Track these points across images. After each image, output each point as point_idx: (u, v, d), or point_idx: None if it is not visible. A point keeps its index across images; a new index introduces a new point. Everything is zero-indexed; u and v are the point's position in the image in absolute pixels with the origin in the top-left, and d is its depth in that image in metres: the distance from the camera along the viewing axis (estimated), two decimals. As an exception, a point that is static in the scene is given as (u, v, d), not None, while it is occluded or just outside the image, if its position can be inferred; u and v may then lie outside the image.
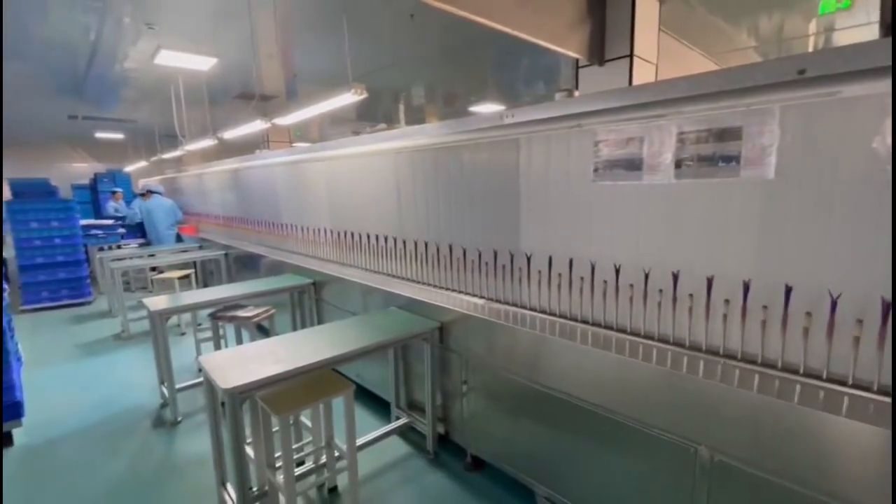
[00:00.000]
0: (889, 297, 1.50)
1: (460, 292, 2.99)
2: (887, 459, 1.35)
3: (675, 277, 1.99)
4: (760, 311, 1.78)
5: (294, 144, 9.73)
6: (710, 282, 1.89)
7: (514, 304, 2.66)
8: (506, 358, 2.46)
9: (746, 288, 1.80)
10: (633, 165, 2.09)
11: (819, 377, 1.67)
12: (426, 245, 3.23)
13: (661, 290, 2.04)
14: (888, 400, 1.52)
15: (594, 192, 2.23)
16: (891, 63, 1.38)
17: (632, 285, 2.15)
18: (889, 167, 1.47)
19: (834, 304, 1.60)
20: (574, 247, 2.35)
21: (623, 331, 2.19)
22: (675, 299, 2.00)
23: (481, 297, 2.86)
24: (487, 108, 8.44)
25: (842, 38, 4.57)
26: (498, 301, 2.76)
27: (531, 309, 2.57)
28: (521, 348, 2.37)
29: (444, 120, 2.83)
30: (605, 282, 2.24)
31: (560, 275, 2.42)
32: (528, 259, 2.56)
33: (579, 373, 2.11)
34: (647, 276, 2.08)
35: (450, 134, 2.82)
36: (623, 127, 2.07)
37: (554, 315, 2.48)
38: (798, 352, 1.70)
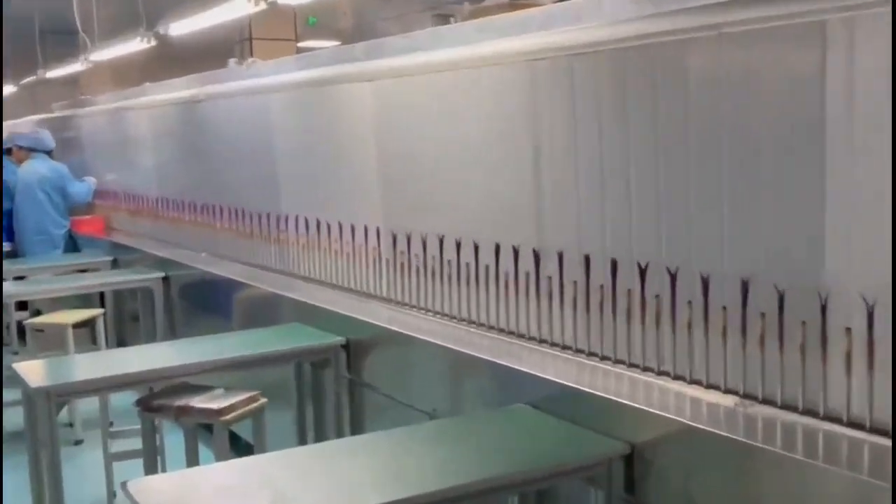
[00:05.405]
0: None
1: (672, 377, 2.86)
2: None
3: None
4: None
5: (302, 45, 8.77)
6: None
7: (799, 410, 2.41)
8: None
9: None
10: None
11: None
12: (588, 265, 3.05)
13: None
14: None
15: None
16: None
17: None
18: None
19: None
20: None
21: None
22: None
23: (728, 392, 2.68)
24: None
25: None
26: (764, 401, 2.54)
27: (838, 421, 2.30)
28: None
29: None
30: None
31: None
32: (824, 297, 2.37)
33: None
34: None
35: (659, 15, 2.67)
36: None
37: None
38: None
